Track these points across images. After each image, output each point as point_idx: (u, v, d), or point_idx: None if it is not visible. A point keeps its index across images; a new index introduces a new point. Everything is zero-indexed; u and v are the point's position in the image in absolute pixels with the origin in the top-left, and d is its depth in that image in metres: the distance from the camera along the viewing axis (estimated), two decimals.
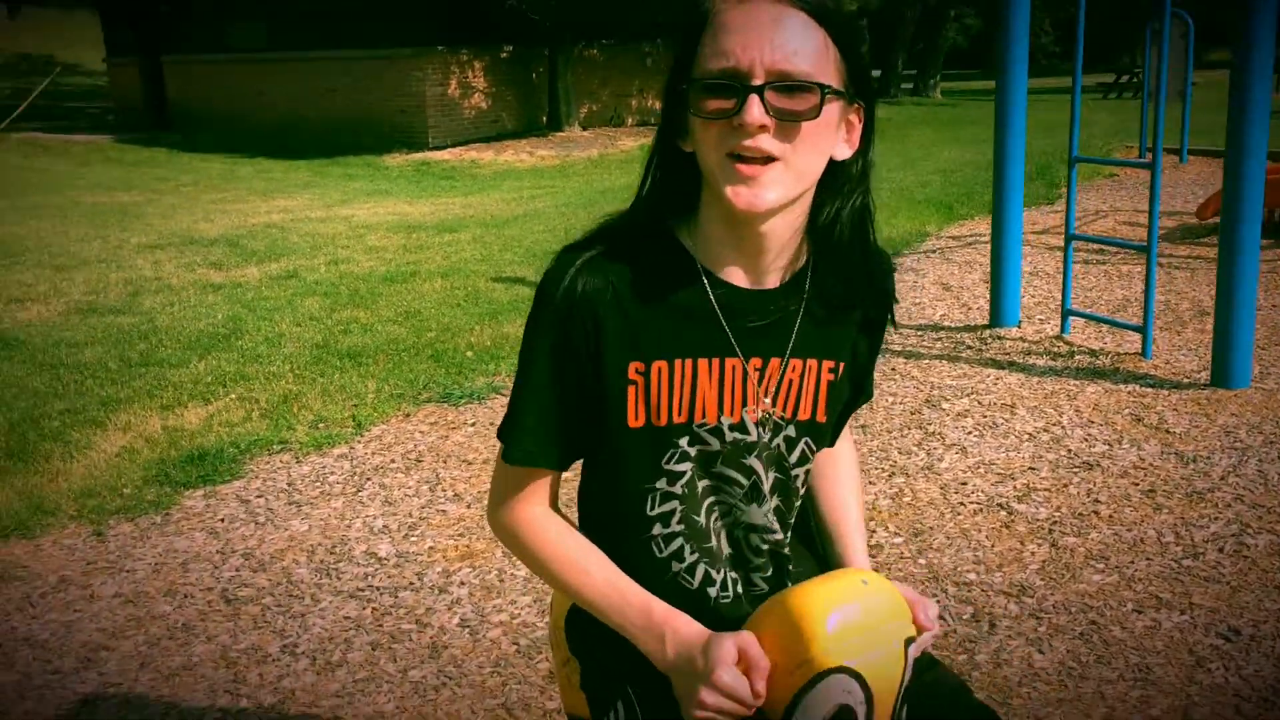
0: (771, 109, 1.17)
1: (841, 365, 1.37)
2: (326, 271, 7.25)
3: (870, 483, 3.42)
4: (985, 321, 5.17)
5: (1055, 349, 4.70)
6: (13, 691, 2.51)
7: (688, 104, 1.21)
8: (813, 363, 1.34)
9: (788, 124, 1.18)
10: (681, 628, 1.27)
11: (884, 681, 1.21)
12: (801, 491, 1.40)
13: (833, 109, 1.22)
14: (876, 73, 25.17)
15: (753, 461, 1.33)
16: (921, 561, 2.88)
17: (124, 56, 20.57)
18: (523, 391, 1.31)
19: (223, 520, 3.44)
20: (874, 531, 3.07)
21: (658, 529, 1.33)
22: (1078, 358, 4.57)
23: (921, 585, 2.76)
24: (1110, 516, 3.10)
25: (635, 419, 1.29)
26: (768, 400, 1.32)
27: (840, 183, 1.28)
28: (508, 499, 1.35)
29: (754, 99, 1.16)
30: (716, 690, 1.19)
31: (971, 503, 3.23)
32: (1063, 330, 4.88)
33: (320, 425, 4.27)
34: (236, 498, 3.62)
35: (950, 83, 26.77)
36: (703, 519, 1.33)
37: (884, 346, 4.81)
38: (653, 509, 1.32)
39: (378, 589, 2.90)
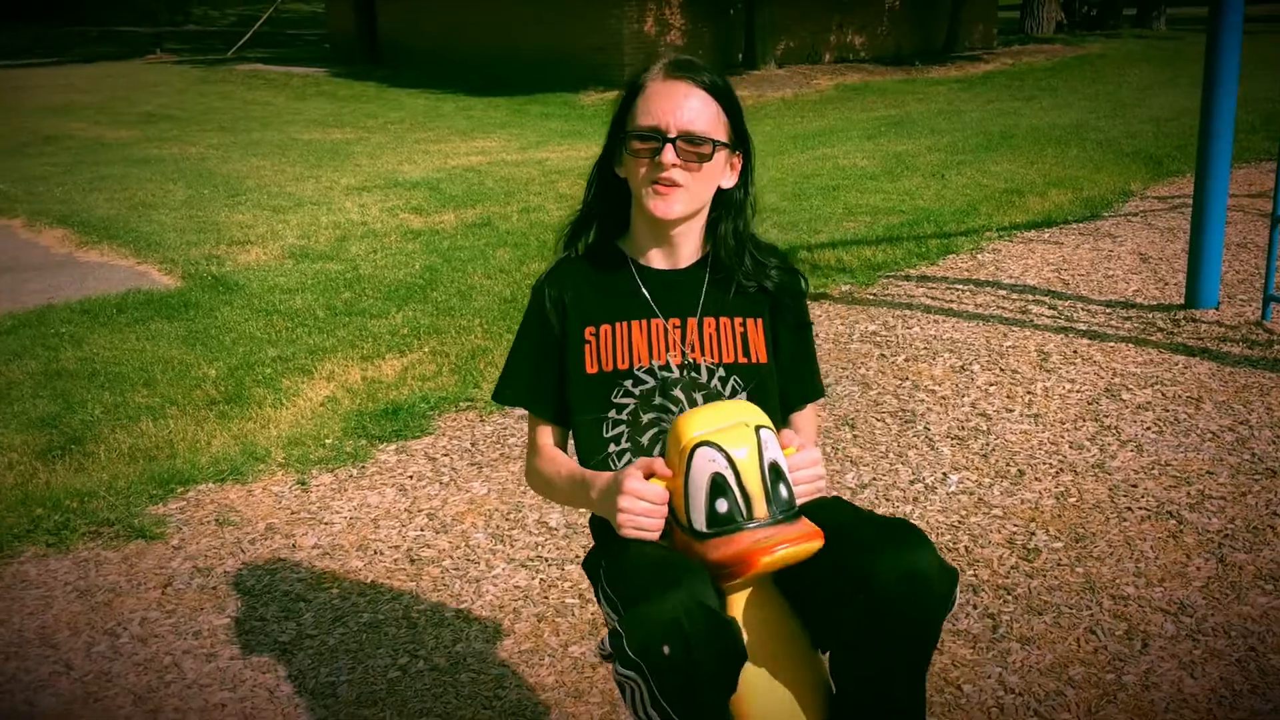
0: (680, 153, 1.80)
1: (754, 321, 1.90)
2: (518, 220, 7.51)
3: (1036, 479, 3.39)
4: (1181, 301, 4.96)
5: (1253, 336, 4.49)
6: (222, 634, 2.82)
7: (625, 146, 1.84)
8: (725, 320, 1.89)
9: (690, 165, 1.81)
10: (600, 477, 1.76)
11: (739, 448, 1.59)
12: None
13: (721, 155, 1.85)
14: None
15: (678, 393, 1.85)
16: (1079, 570, 2.87)
17: None
18: (510, 359, 1.96)
19: (411, 477, 3.71)
20: (1033, 534, 3.07)
21: (611, 448, 1.86)
22: (1277, 348, 4.35)
23: (1076, 595, 2.76)
24: None
25: (591, 367, 1.87)
26: (687, 349, 1.86)
27: (728, 203, 1.91)
28: (529, 449, 1.97)
29: (669, 146, 1.79)
30: (629, 495, 1.63)
31: (1140, 508, 3.18)
32: (1263, 316, 4.65)
33: None
34: (425, 454, 3.89)
35: (1180, 8, 24.93)
36: (644, 439, 1.85)
37: (1068, 325, 4.72)
38: (607, 432, 1.86)
39: (546, 560, 3.10)
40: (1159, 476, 3.36)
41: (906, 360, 4.47)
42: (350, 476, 3.75)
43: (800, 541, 1.56)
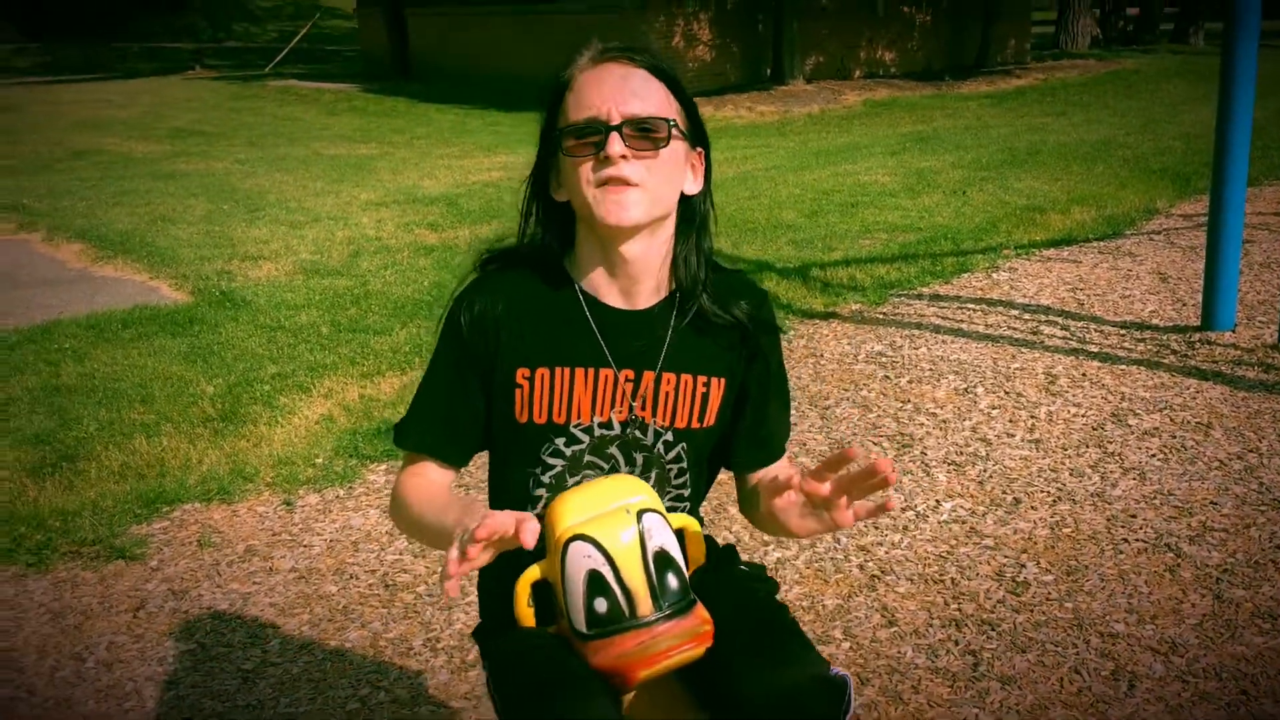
0: (628, 140, 1.46)
1: (718, 381, 1.60)
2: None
3: (1032, 508, 3.28)
4: (1197, 322, 4.82)
5: (1269, 360, 4.35)
6: (188, 661, 2.77)
7: (559, 150, 1.50)
8: (686, 377, 1.59)
9: (644, 153, 1.47)
10: (469, 508, 1.41)
11: (618, 543, 1.41)
12: (679, 486, 1.63)
13: (679, 146, 1.52)
14: (1133, 11, 23.41)
15: (614, 450, 1.59)
16: (1069, 605, 2.76)
17: (371, 6, 21.56)
18: (421, 392, 1.62)
19: None
20: (1023, 566, 2.96)
21: (534, 511, 1.58)
22: None
23: (1063, 632, 2.65)
24: None
25: (521, 415, 1.56)
26: (638, 404, 1.57)
27: (691, 218, 1.58)
28: (399, 477, 1.64)
29: (614, 135, 1.45)
30: (485, 524, 1.25)
31: (1138, 540, 3.06)
32: None
33: None
34: None
35: (1218, 23, 24.62)
36: None
37: (1079, 347, 4.60)
38: (533, 489, 1.59)
39: None
40: (1160, 506, 3.24)
41: (910, 382, 4.37)
42: (337, 497, 3.70)
43: (684, 648, 1.41)
